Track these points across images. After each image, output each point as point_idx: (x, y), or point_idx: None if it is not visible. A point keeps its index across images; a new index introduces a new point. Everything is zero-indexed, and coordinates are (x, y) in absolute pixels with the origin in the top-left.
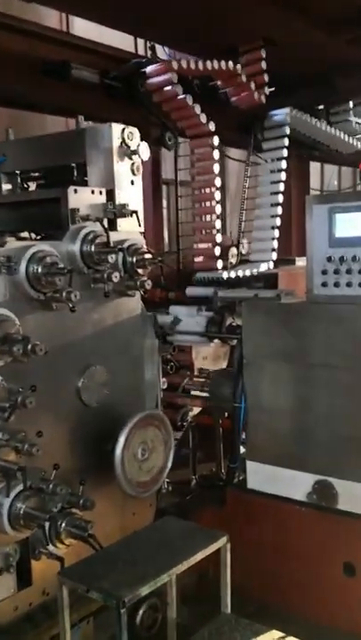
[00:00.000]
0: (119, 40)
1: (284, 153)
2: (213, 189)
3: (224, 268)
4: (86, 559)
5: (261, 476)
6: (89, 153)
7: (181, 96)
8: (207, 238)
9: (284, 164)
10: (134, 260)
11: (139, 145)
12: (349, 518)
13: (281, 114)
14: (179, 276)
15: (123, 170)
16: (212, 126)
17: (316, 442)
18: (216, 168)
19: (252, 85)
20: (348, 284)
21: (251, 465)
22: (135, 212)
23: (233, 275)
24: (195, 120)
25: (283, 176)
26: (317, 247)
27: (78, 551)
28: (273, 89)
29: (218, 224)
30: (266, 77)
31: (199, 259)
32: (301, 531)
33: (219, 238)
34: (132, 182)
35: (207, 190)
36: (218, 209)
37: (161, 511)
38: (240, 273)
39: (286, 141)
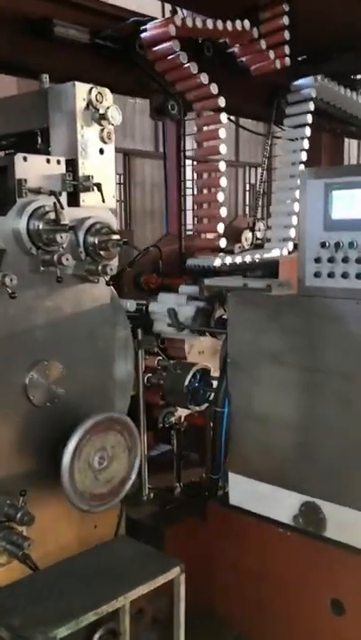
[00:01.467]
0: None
1: (308, 119)
2: (218, 157)
3: (230, 251)
4: (8, 586)
5: (244, 492)
6: (52, 117)
7: (182, 59)
8: (208, 213)
9: (307, 131)
10: (96, 240)
11: (109, 108)
12: (337, 549)
13: (307, 81)
14: (181, 260)
15: (89, 136)
16: (221, 102)
17: (304, 457)
18: (222, 133)
19: (272, 53)
20: (344, 275)
21: (233, 478)
22: (98, 185)
23: (230, 261)
24: (200, 90)
25: (305, 144)
26: (310, 230)
27: None
28: (303, 57)
29: (220, 197)
30: (286, 35)
31: (200, 240)
32: (285, 558)
33: (223, 212)
34: (102, 151)
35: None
36: (223, 181)
37: (133, 522)
38: (238, 259)
39: (311, 106)
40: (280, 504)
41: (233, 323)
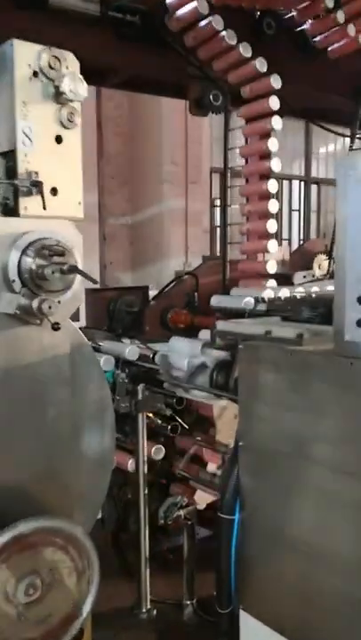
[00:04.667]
0: None
1: None
2: (264, 180)
3: (287, 280)
4: None
5: None
6: None
7: (215, 25)
8: (253, 247)
9: None
10: (34, 266)
11: (67, 78)
12: None
13: None
14: (224, 293)
15: (38, 118)
16: (275, 81)
17: (339, 614)
18: (273, 145)
19: (351, 28)
20: None
21: (245, 620)
22: (37, 183)
23: (271, 295)
24: (244, 69)
25: None
26: (353, 253)
27: None
28: None
29: (271, 226)
30: None
31: (244, 262)
32: None
33: (272, 247)
34: (59, 139)
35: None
36: (273, 205)
37: None
38: (295, 292)
39: None
40: None
41: (244, 389)
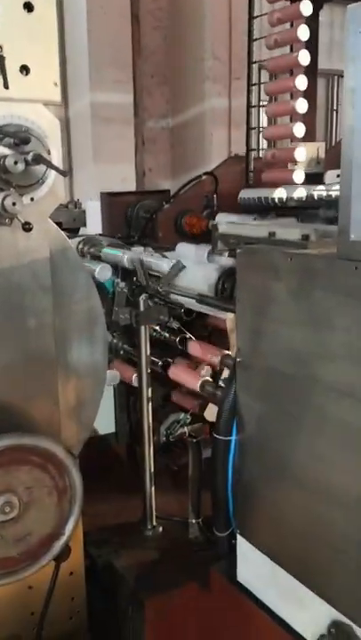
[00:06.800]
0: None
1: None
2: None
3: (318, 179)
4: None
5: (257, 571)
6: None
7: None
8: (281, 132)
9: None
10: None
11: None
12: None
13: None
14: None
15: None
16: None
17: (338, 550)
18: (304, 32)
19: None
20: None
21: (242, 545)
22: None
23: (300, 194)
24: None
25: None
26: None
27: None
28: None
29: (302, 105)
30: None
31: (269, 171)
32: None
33: (299, 130)
34: (29, 6)
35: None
36: (301, 82)
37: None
38: (314, 192)
39: None
40: (302, 610)
41: (242, 300)
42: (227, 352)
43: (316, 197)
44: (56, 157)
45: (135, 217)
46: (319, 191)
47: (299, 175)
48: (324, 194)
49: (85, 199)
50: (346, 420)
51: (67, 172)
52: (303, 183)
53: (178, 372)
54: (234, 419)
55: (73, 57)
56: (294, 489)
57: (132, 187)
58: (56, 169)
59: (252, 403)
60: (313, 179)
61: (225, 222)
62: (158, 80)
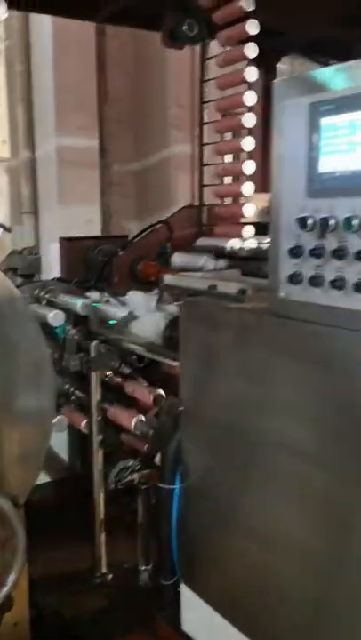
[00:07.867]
0: None
1: None
2: (243, 111)
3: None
4: None
5: (201, 619)
6: None
7: None
8: (228, 190)
9: None
10: None
11: None
12: None
13: None
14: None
15: None
16: (252, 26)
17: (284, 603)
18: (251, 74)
19: None
20: (336, 284)
21: (186, 594)
22: None
23: (251, 245)
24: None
25: None
26: (287, 194)
27: None
28: None
29: (249, 167)
30: None
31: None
32: None
33: (247, 189)
34: None
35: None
36: (248, 143)
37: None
38: (262, 245)
39: None
40: None
41: (186, 348)
42: (160, 392)
43: (264, 249)
44: (1, 213)
45: (93, 261)
46: (267, 243)
47: (248, 230)
48: None
49: (49, 241)
50: (288, 470)
51: (11, 229)
52: (256, 234)
53: (116, 413)
54: (178, 467)
55: (39, 101)
56: (238, 539)
57: (97, 228)
58: (2, 226)
59: (196, 452)
60: (265, 229)
61: (174, 268)
62: (125, 125)
